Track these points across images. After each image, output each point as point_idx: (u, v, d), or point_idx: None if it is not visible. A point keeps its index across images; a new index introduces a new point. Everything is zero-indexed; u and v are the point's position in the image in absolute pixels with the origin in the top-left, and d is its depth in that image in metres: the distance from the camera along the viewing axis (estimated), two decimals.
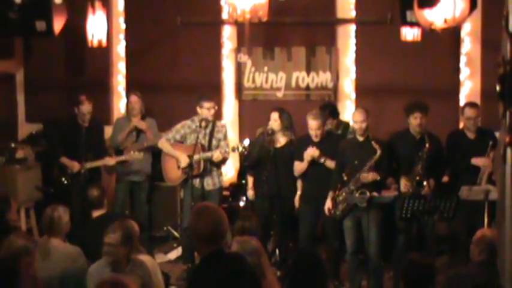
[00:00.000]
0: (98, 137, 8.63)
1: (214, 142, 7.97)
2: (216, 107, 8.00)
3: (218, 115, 9.54)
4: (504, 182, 3.05)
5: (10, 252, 5.01)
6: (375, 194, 7.07)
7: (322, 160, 7.44)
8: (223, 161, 8.05)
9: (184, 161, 7.87)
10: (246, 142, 7.82)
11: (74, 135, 8.35)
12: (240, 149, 7.81)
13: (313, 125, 7.42)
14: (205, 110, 7.84)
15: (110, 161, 8.47)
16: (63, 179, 8.33)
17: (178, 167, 7.98)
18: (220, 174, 8.11)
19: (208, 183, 8.00)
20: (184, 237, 8.21)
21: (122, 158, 8.46)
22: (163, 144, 8.06)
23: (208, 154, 7.82)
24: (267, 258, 5.12)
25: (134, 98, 8.74)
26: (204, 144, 7.90)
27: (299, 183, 7.77)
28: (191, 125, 7.97)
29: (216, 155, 7.80)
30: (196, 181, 7.88)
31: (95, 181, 7.93)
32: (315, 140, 7.51)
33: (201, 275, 4.08)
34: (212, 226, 4.01)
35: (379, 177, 7.12)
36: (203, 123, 7.77)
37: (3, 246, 5.13)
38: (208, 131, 7.96)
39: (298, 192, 7.77)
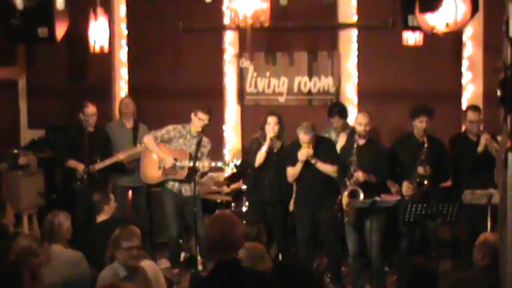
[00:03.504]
0: (103, 140, 8.61)
1: (198, 155, 8.02)
2: (208, 121, 8.03)
3: (220, 120, 9.59)
4: (505, 187, 3.05)
5: (16, 255, 5.03)
6: (378, 198, 7.08)
7: (313, 161, 7.44)
8: (205, 174, 8.21)
9: (169, 162, 7.91)
10: (238, 162, 7.93)
11: (79, 141, 8.36)
12: (231, 165, 7.90)
13: (304, 139, 7.40)
14: (197, 119, 7.92)
15: (121, 155, 8.41)
16: (75, 184, 8.31)
17: (159, 167, 8.01)
18: (198, 183, 8.11)
19: (186, 189, 8.07)
20: (172, 245, 8.35)
21: (133, 150, 8.41)
22: (150, 141, 8.08)
23: (206, 164, 7.89)
24: (271, 265, 5.12)
25: (128, 99, 8.91)
26: (191, 153, 7.98)
27: (295, 187, 7.79)
28: (182, 130, 8.07)
29: (202, 165, 7.86)
30: (175, 185, 8.04)
31: (99, 186, 7.91)
32: None
33: (208, 284, 3.99)
34: (220, 235, 3.91)
35: (366, 178, 7.13)
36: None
37: (12, 250, 5.15)
38: (195, 141, 8.00)
39: (294, 196, 7.79)
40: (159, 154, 8.03)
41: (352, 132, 8.26)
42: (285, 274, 4.40)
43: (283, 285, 4.21)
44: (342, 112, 8.32)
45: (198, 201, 7.94)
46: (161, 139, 8.07)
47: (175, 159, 7.93)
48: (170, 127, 8.11)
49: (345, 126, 8.37)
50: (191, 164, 7.82)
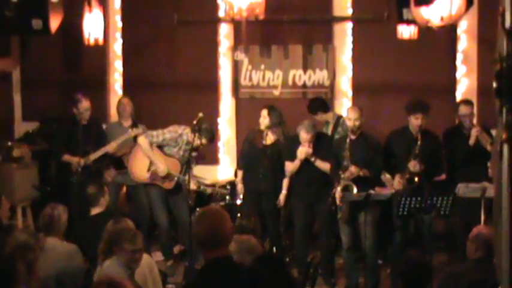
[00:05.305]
0: (97, 132, 8.56)
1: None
2: None
3: (215, 113, 9.58)
4: (501, 178, 3.05)
5: (11, 249, 5.03)
6: (372, 191, 7.08)
7: (312, 159, 7.45)
8: None
9: (162, 171, 7.94)
10: (227, 187, 8.33)
11: (73, 133, 8.34)
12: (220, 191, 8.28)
13: (305, 138, 7.40)
14: (200, 143, 7.83)
15: (112, 144, 8.39)
16: (71, 179, 8.28)
17: (149, 170, 8.03)
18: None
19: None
20: (163, 236, 8.42)
21: (125, 137, 8.38)
22: (145, 143, 8.01)
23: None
24: None
25: (126, 100, 8.82)
26: (183, 162, 7.99)
27: (285, 182, 7.79)
28: (178, 140, 8.00)
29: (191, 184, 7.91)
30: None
31: (94, 178, 7.90)
32: None
33: (200, 283, 3.87)
34: (210, 231, 3.76)
35: (360, 172, 7.13)
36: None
37: (7, 243, 5.14)
38: (188, 148, 7.97)
39: (283, 191, 7.80)
40: (153, 160, 8.00)
41: (337, 121, 8.24)
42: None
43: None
44: (313, 108, 8.27)
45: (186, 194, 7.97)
46: (156, 144, 8.03)
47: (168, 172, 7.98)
48: (168, 135, 8.01)
49: (328, 118, 8.33)
50: (180, 177, 7.90)
